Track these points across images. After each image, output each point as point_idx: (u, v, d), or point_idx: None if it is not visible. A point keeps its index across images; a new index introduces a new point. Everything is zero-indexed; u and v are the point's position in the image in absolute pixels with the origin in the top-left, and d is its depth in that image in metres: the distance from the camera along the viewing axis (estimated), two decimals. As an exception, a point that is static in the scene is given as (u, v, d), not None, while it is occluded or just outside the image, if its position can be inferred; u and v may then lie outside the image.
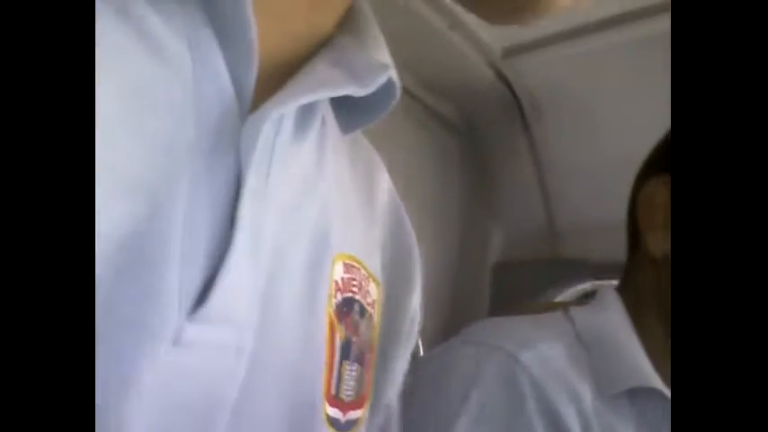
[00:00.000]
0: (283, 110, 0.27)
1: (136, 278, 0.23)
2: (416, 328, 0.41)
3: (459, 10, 0.57)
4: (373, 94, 0.30)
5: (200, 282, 0.25)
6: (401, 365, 0.40)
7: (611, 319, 0.66)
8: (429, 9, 0.83)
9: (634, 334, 0.64)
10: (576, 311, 0.67)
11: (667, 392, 0.61)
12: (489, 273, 1.10)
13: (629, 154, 0.70)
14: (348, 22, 0.32)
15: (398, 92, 0.32)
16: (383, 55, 0.32)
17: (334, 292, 0.32)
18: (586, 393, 0.60)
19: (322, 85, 0.29)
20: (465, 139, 1.08)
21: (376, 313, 0.35)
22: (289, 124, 0.29)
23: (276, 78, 0.28)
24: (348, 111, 0.33)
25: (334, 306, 0.32)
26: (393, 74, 0.31)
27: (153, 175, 0.24)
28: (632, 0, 0.81)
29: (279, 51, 0.29)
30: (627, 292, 0.69)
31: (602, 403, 0.60)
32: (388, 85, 0.31)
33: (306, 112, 0.30)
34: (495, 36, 0.90)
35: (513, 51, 0.93)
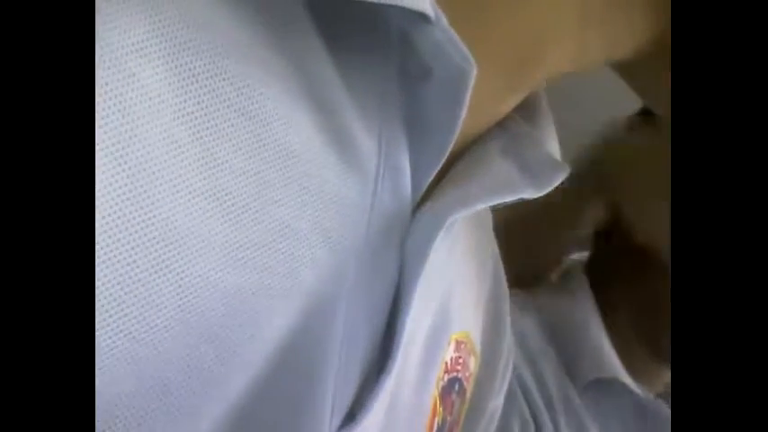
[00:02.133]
0: (463, 215, 0.25)
1: (290, 386, 0.22)
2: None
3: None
4: None
5: (353, 396, 0.24)
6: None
7: (579, 305, 0.64)
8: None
9: (602, 324, 0.62)
10: (539, 293, 0.66)
11: (635, 388, 0.61)
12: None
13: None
14: (523, 104, 0.30)
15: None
16: (555, 147, 0.30)
17: (443, 374, 0.31)
18: (550, 379, 0.59)
19: (503, 187, 0.27)
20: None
21: (469, 387, 0.34)
22: None
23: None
24: None
25: (440, 388, 0.31)
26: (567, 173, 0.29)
27: (320, 276, 0.22)
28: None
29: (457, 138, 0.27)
30: (597, 277, 0.66)
31: (567, 392, 0.59)
32: None
33: None
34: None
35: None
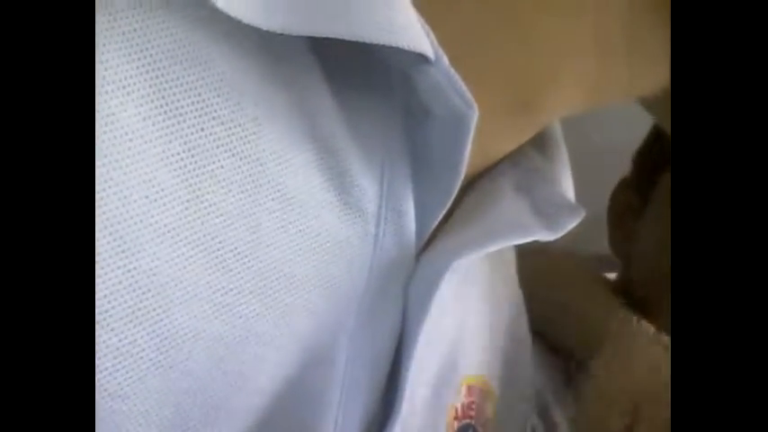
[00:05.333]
0: (470, 258, 0.24)
1: None
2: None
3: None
4: None
5: None
6: None
7: None
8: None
9: None
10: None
11: None
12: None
13: (616, 143, 0.69)
14: (537, 137, 0.29)
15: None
16: (569, 183, 0.29)
17: (452, 420, 0.29)
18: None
19: (514, 229, 0.25)
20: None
21: None
22: None
23: None
24: None
25: None
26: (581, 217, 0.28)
27: (317, 323, 0.21)
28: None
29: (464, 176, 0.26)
30: None
31: None
32: None
33: None
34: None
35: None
